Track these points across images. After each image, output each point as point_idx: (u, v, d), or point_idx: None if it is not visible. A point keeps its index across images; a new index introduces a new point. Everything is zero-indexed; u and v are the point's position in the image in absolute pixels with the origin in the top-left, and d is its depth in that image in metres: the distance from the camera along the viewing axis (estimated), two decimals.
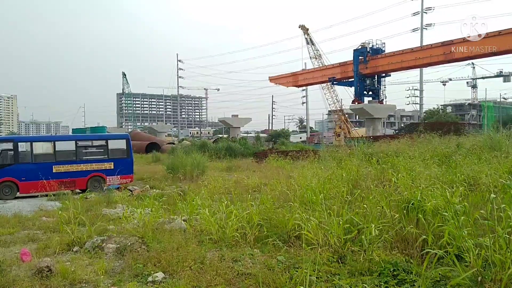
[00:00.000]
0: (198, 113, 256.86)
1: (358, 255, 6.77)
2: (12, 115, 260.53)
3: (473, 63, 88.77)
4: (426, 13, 67.25)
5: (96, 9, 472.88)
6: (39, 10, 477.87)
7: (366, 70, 56.83)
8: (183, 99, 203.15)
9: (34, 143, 19.82)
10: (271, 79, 74.42)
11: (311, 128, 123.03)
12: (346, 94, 60.71)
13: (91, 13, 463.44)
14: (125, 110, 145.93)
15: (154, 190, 18.41)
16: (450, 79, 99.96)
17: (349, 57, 59.45)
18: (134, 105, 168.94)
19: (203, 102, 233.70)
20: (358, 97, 58.20)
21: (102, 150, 21.01)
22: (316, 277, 5.97)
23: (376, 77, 59.13)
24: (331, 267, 6.52)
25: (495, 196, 5.90)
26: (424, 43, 58.15)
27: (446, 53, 47.85)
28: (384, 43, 58.32)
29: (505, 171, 11.02)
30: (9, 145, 19.19)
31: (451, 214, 6.46)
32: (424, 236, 6.53)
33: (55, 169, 19.24)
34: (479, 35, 43.52)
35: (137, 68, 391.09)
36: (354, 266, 6.51)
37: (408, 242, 6.98)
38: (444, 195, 7.68)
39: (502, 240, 5.59)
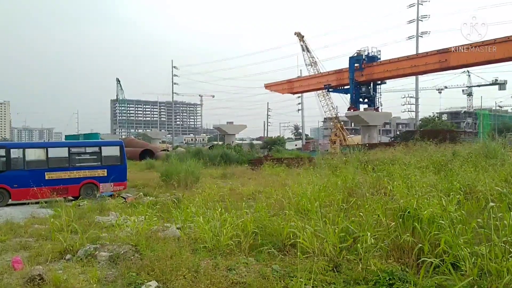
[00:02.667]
0: (193, 120, 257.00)
1: (354, 264, 6.73)
2: (5, 121, 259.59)
3: (468, 71, 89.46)
4: (421, 21, 68.07)
5: (90, 15, 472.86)
6: (33, 15, 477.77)
7: (361, 77, 57.06)
8: (178, 105, 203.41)
9: (26, 150, 19.70)
10: (267, 86, 74.65)
11: (306, 135, 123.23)
12: (341, 102, 60.82)
13: (85, 19, 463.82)
14: (119, 116, 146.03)
15: (148, 197, 18.28)
16: (446, 87, 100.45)
17: (345, 64, 59.77)
18: (128, 111, 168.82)
19: (198, 108, 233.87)
20: (354, 105, 58.39)
21: (96, 157, 20.89)
22: (312, 286, 5.94)
23: (371, 85, 59.38)
24: (327, 276, 6.46)
25: (493, 204, 5.89)
26: (420, 51, 58.64)
27: (442, 61, 48.15)
28: (380, 51, 58.73)
29: (501, 179, 11.03)
30: (1, 152, 19.03)
31: (448, 223, 6.43)
32: (420, 245, 6.50)
33: (48, 176, 19.09)
34: (476, 42, 43.91)
35: (131, 74, 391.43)
36: (350, 275, 6.47)
37: (404, 250, 6.95)
38: (440, 204, 7.65)
39: (498, 249, 5.57)
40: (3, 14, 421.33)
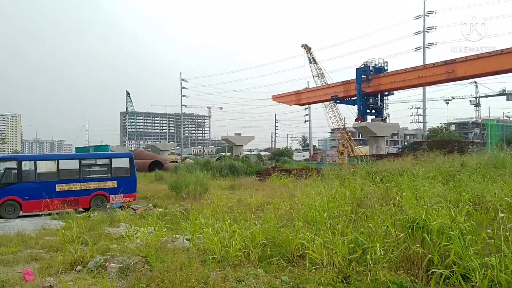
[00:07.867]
0: (201, 132, 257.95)
1: (363, 275, 6.71)
2: (16, 134, 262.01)
3: (475, 82, 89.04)
4: (428, 32, 67.86)
5: (99, 30, 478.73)
6: (43, 30, 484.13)
7: (369, 88, 57.01)
8: (186, 117, 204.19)
9: (37, 162, 19.87)
10: (274, 98, 74.74)
11: (314, 146, 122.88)
12: (349, 113, 60.71)
13: (95, 33, 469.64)
14: (129, 128, 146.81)
15: (157, 209, 18.36)
16: (453, 98, 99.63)
17: (352, 76, 59.73)
18: (138, 123, 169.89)
19: (206, 120, 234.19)
20: (361, 116, 58.28)
21: (106, 168, 21.05)
22: None
23: (379, 96, 59.25)
24: None
25: (503, 215, 5.88)
26: (427, 62, 58.42)
27: (449, 71, 48.01)
28: (387, 62, 58.57)
29: (510, 190, 10.95)
30: (13, 164, 19.28)
31: (457, 233, 6.41)
32: (430, 256, 6.48)
33: (59, 187, 19.25)
34: (483, 53, 43.88)
35: (140, 87, 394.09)
36: (359, 286, 6.45)
37: (413, 262, 6.92)
38: (450, 214, 7.63)
39: (508, 259, 5.55)
40: (12, 29, 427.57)
